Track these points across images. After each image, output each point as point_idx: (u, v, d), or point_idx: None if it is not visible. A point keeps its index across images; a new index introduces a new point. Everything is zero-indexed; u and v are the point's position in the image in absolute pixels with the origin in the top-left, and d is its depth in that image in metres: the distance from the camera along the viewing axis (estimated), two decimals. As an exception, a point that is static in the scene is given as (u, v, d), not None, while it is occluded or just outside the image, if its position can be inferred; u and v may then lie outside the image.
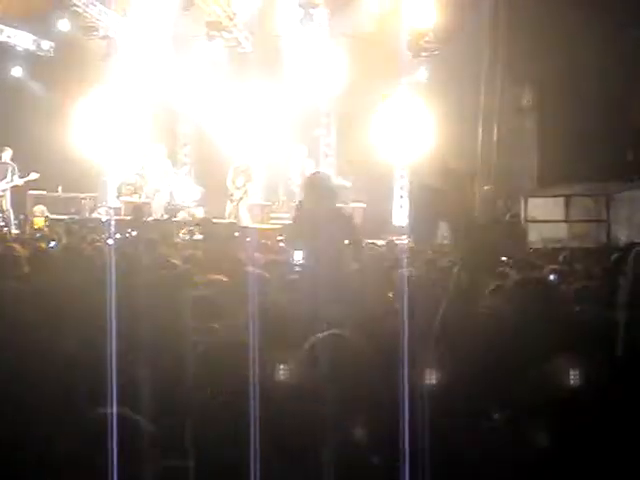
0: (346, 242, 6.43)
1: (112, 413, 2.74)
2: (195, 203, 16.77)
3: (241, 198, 15.75)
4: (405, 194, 17.13)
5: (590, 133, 13.59)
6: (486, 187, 14.07)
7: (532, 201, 13.96)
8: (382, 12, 16.12)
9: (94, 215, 16.26)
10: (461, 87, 15.24)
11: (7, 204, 15.03)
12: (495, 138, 15.21)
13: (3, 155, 15.31)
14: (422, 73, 16.68)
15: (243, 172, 15.83)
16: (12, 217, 14.93)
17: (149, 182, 16.95)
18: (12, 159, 15.22)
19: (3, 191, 15.12)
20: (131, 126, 17.61)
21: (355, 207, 15.28)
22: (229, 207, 15.81)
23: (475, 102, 15.37)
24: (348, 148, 17.01)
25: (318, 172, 9.09)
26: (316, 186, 6.56)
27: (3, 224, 14.72)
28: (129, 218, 13.83)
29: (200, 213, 15.95)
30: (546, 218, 13.75)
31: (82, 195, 16.79)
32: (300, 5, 16.22)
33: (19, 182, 15.23)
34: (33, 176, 15.27)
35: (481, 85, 15.37)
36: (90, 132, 17.51)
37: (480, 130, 15.33)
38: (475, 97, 15.38)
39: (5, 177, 15.13)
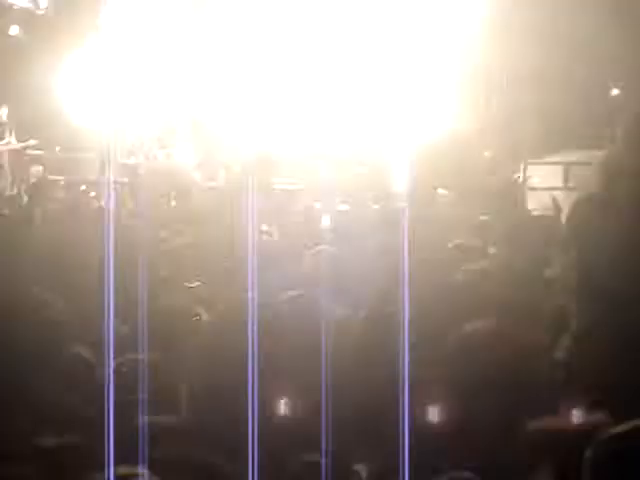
0: None
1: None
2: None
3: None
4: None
5: (591, 100, 13.58)
6: (486, 153, 14.05)
7: (531, 168, 13.95)
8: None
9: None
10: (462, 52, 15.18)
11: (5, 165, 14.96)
12: (495, 105, 15.17)
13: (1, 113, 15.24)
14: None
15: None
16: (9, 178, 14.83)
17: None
18: (9, 117, 15.15)
19: (5, 150, 15.06)
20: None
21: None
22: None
23: (476, 67, 15.31)
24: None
25: None
26: None
27: None
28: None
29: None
30: (545, 186, 13.75)
31: (80, 155, 16.72)
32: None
33: (16, 146, 15.18)
34: (31, 142, 15.25)
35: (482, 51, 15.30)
36: (89, 93, 17.47)
37: (480, 96, 15.28)
38: (477, 62, 15.32)
39: (2, 137, 15.08)
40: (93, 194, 13.27)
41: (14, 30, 17.16)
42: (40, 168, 15.34)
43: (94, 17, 17.36)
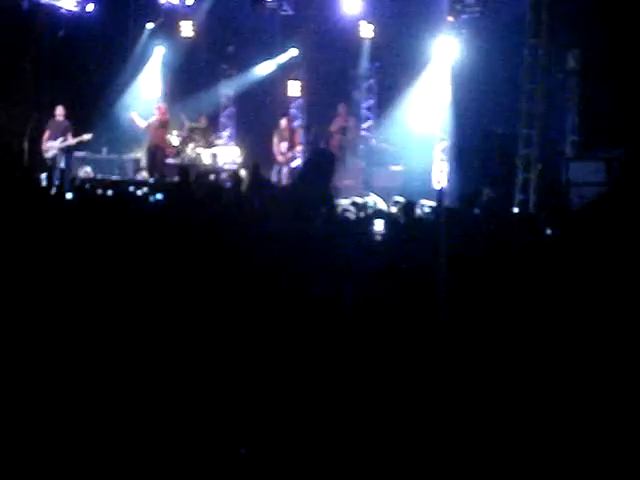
0: None
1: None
2: (237, 165, 16.94)
3: (285, 164, 15.85)
4: (445, 158, 17.18)
5: (632, 97, 13.53)
6: (524, 151, 14.08)
7: (573, 164, 13.94)
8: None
9: (138, 176, 16.49)
10: (503, 51, 15.20)
11: (62, 163, 15.22)
12: (535, 102, 15.15)
13: (57, 112, 15.54)
14: (463, 36, 16.66)
15: (286, 138, 15.90)
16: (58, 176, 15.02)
17: (191, 144, 17.21)
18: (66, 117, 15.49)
19: (59, 149, 15.35)
20: (172, 87, 17.90)
21: (394, 170, 15.42)
22: (275, 171, 15.92)
23: (517, 65, 15.30)
24: (388, 111, 17.10)
25: None
26: None
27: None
28: (176, 179, 14.03)
29: (243, 174, 16.12)
30: (586, 182, 13.72)
31: (125, 157, 17.03)
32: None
33: (72, 142, 15.46)
34: (87, 137, 15.51)
35: (523, 49, 15.29)
36: (133, 93, 17.82)
37: (521, 94, 15.26)
38: (517, 60, 15.31)
39: (61, 135, 15.38)
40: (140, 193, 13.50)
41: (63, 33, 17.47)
42: (88, 168, 15.67)
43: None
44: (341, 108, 16.59)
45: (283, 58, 18.14)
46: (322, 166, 6.76)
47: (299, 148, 15.79)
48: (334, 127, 16.26)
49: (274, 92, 18.03)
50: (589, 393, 3.47)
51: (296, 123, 17.90)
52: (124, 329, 4.02)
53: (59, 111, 15.50)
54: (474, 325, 4.00)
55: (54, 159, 15.30)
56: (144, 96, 18.00)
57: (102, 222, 6.45)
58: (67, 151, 15.37)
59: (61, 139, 15.37)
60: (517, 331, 3.96)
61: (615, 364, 3.61)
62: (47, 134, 15.46)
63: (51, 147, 15.35)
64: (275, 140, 16.01)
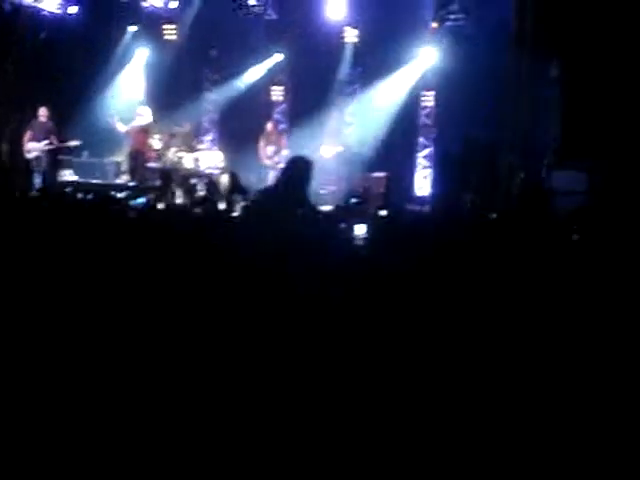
0: None
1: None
2: (219, 170, 16.87)
3: (273, 168, 15.79)
4: (429, 164, 17.22)
5: (614, 106, 13.56)
6: (508, 159, 14.10)
7: (555, 173, 13.95)
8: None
9: (118, 180, 16.40)
10: (486, 58, 15.23)
11: (42, 165, 15.09)
12: (519, 109, 15.18)
13: (41, 113, 15.32)
14: (445, 42, 16.71)
15: (273, 142, 15.87)
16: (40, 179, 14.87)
17: (173, 148, 17.14)
18: (49, 119, 15.31)
19: (42, 152, 15.15)
20: (155, 91, 17.83)
21: (377, 176, 15.39)
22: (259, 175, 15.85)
23: (500, 72, 15.33)
24: (371, 116, 17.11)
25: None
26: None
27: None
28: (157, 183, 13.96)
29: (225, 180, 16.06)
30: (568, 190, 13.73)
31: (106, 160, 16.91)
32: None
33: (58, 146, 15.29)
34: (74, 143, 15.34)
35: (507, 56, 15.32)
36: (115, 96, 17.73)
37: (504, 101, 15.29)
38: (500, 67, 15.34)
39: (44, 137, 15.25)
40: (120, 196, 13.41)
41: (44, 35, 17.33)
42: (70, 171, 15.53)
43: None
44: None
45: (269, 64, 18.11)
46: (299, 172, 6.73)
47: (285, 152, 15.71)
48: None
49: (257, 97, 17.99)
50: (586, 393, 3.44)
51: (280, 127, 17.89)
52: (109, 334, 3.97)
53: (42, 112, 15.26)
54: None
55: (37, 161, 15.14)
56: (125, 99, 17.90)
57: (82, 226, 6.38)
58: (51, 154, 15.20)
59: (45, 142, 15.17)
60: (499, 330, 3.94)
61: (603, 372, 3.59)
62: (29, 135, 15.20)
63: (33, 148, 15.15)
64: (261, 144, 15.99)
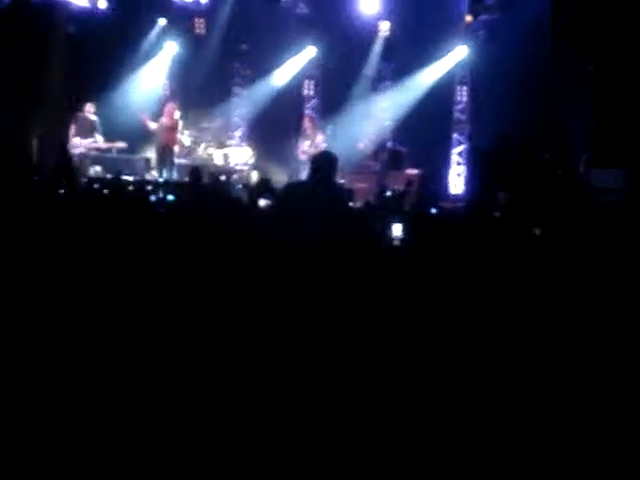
0: None
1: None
2: (249, 166, 16.73)
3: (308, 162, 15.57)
4: (463, 161, 16.96)
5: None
6: (546, 156, 13.82)
7: (593, 170, 13.68)
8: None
9: (147, 176, 16.27)
10: (522, 53, 14.97)
11: (85, 162, 14.96)
12: (555, 105, 14.93)
13: (87, 109, 15.28)
14: (480, 36, 16.46)
15: (309, 136, 15.59)
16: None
17: (202, 144, 17.03)
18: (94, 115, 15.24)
19: (87, 149, 15.11)
20: (184, 86, 17.70)
21: (411, 173, 15.16)
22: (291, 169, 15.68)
23: (534, 68, 15.07)
24: (404, 111, 16.86)
25: None
26: None
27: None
28: (187, 180, 13.77)
29: (255, 176, 15.91)
30: (607, 187, 13.45)
31: (135, 156, 16.80)
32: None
33: (104, 146, 15.28)
34: (121, 144, 15.30)
35: (543, 52, 15.07)
36: (143, 92, 17.61)
37: (540, 99, 15.04)
38: (535, 64, 15.08)
39: (89, 134, 15.14)
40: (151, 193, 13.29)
41: (73, 30, 17.25)
42: (99, 168, 15.40)
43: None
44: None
45: (300, 58, 17.89)
46: (326, 167, 6.55)
47: (323, 146, 15.41)
48: None
49: (289, 91, 17.80)
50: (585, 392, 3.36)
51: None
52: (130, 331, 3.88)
53: (88, 108, 15.25)
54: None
55: (81, 158, 15.03)
56: (154, 94, 17.77)
57: (110, 222, 6.29)
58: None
59: (92, 139, 15.12)
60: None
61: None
62: (74, 130, 15.16)
63: (79, 145, 15.09)
64: (299, 139, 15.73)
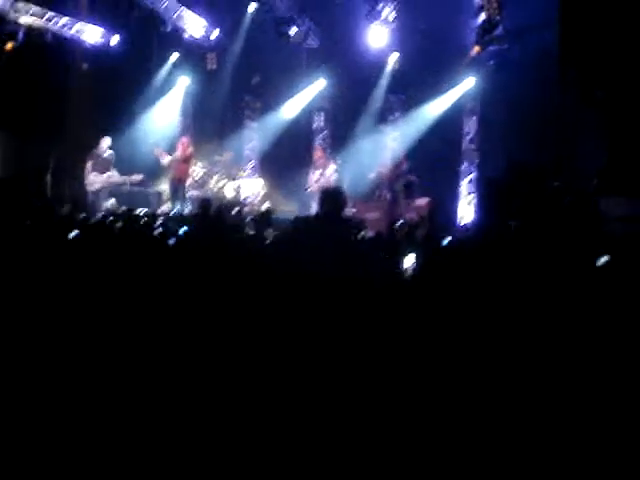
0: None
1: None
2: (260, 198, 16.84)
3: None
4: (473, 190, 17.01)
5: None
6: (556, 183, 13.85)
7: (603, 198, 13.70)
8: (449, 6, 15.97)
9: (161, 209, 16.38)
10: (530, 83, 15.08)
11: (102, 198, 15.09)
12: (563, 133, 15.00)
13: (103, 144, 15.42)
14: (488, 66, 16.56)
15: (320, 167, 15.68)
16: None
17: (214, 176, 17.16)
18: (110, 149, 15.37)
19: (104, 184, 15.24)
20: (196, 119, 17.87)
21: (421, 202, 15.22)
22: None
23: (543, 96, 15.16)
24: (413, 142, 16.97)
25: None
26: None
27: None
28: (197, 212, 13.87)
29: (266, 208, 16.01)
30: (616, 215, 13.47)
31: (149, 189, 16.94)
32: (366, 0, 16.15)
33: (120, 180, 15.39)
34: (137, 177, 15.41)
35: (552, 82, 15.16)
36: (156, 126, 17.79)
37: (549, 127, 15.11)
38: (544, 93, 15.18)
39: (105, 169, 15.27)
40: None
41: (86, 65, 17.47)
42: (113, 200, 15.54)
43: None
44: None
45: (311, 90, 18.06)
46: (330, 203, 6.64)
47: (333, 177, 15.47)
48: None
49: (299, 123, 17.95)
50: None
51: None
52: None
53: (103, 143, 15.41)
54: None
55: (98, 193, 15.18)
56: (166, 128, 17.96)
57: (121, 255, 6.36)
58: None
59: (108, 174, 15.25)
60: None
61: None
62: (90, 166, 15.30)
63: (96, 181, 15.24)
64: (310, 171, 15.80)
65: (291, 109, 18.07)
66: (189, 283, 4.96)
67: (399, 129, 17.61)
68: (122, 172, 15.81)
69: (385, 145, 17.24)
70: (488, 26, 15.39)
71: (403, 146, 16.80)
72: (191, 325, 4.29)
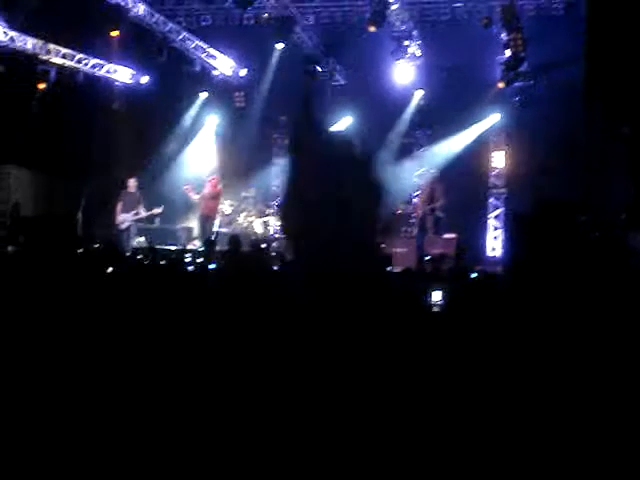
0: None
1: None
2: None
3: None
4: (500, 225, 17.04)
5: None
6: (583, 217, 13.87)
7: (631, 232, 13.67)
8: (475, 43, 16.10)
9: (190, 246, 16.54)
10: (555, 118, 15.15)
11: (131, 235, 15.39)
12: (590, 168, 15.02)
13: (130, 184, 15.69)
14: (514, 102, 16.67)
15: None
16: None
17: (243, 213, 17.31)
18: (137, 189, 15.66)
19: (133, 221, 15.50)
20: (225, 156, 18.05)
21: (448, 237, 15.25)
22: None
23: (570, 134, 15.21)
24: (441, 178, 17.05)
25: None
26: None
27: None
28: (226, 248, 14.00)
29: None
30: (644, 250, 13.42)
31: (178, 226, 17.12)
32: (393, 38, 16.32)
33: (144, 215, 15.59)
34: (157, 210, 15.61)
35: (575, 115, 15.21)
36: (186, 163, 18.01)
37: (576, 162, 15.14)
38: (569, 128, 15.23)
39: (133, 208, 15.54)
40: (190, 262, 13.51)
41: (117, 105, 17.76)
42: (142, 238, 15.72)
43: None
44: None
45: (339, 127, 18.22)
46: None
47: None
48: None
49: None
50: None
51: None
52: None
53: (132, 183, 15.63)
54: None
55: (127, 231, 15.42)
56: (196, 165, 18.18)
57: (149, 292, 6.44)
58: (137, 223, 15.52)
59: (134, 212, 15.46)
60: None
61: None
62: (120, 206, 15.54)
63: (125, 219, 15.48)
64: None
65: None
66: (220, 321, 5.02)
67: (425, 164, 17.72)
68: (150, 208, 16.04)
69: (411, 181, 17.32)
70: (513, 62, 15.50)
71: (432, 181, 16.85)
72: (220, 361, 4.35)
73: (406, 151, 17.96)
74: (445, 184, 15.55)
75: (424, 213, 15.74)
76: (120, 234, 15.22)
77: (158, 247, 13.97)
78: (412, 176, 17.70)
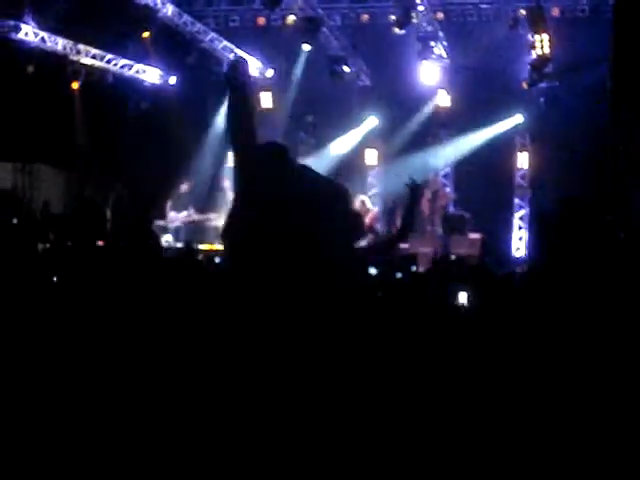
0: None
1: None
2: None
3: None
4: (525, 225, 17.05)
5: None
6: (609, 217, 13.85)
7: (658, 231, 13.66)
8: (501, 44, 16.13)
9: (218, 244, 16.63)
10: (580, 119, 15.17)
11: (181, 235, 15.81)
12: (616, 168, 15.00)
13: (183, 187, 16.29)
14: (539, 103, 16.68)
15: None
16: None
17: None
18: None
19: (183, 222, 15.90)
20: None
21: (473, 237, 15.29)
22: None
23: (595, 134, 15.22)
24: (464, 178, 17.11)
25: None
26: None
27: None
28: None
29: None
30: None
31: (206, 224, 17.21)
32: (419, 38, 16.38)
33: (196, 218, 16.15)
34: (212, 216, 15.95)
35: (601, 116, 15.21)
36: (214, 165, 18.13)
37: (601, 162, 15.13)
38: (595, 128, 15.23)
39: (184, 208, 16.05)
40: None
41: (145, 105, 17.94)
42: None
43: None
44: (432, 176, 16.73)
45: (363, 128, 18.32)
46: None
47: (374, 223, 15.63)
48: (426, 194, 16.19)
49: (351, 161, 18.16)
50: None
51: (373, 191, 18.05)
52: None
53: (185, 186, 16.31)
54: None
55: (177, 230, 15.97)
56: (223, 165, 18.26)
57: (177, 287, 6.52)
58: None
59: (185, 213, 15.91)
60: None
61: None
62: (170, 204, 16.16)
63: (175, 219, 16.07)
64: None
65: (341, 146, 18.31)
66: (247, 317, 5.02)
67: (452, 165, 17.79)
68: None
69: (436, 181, 17.36)
70: (539, 63, 15.52)
71: (432, 181, 16.87)
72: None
73: (430, 150, 17.99)
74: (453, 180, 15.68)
75: (431, 211, 15.84)
76: (171, 232, 15.57)
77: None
78: (439, 177, 17.74)
